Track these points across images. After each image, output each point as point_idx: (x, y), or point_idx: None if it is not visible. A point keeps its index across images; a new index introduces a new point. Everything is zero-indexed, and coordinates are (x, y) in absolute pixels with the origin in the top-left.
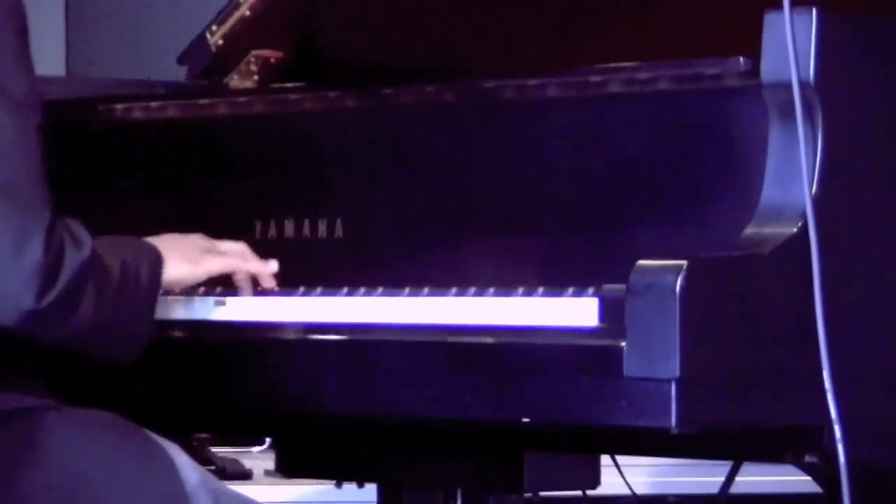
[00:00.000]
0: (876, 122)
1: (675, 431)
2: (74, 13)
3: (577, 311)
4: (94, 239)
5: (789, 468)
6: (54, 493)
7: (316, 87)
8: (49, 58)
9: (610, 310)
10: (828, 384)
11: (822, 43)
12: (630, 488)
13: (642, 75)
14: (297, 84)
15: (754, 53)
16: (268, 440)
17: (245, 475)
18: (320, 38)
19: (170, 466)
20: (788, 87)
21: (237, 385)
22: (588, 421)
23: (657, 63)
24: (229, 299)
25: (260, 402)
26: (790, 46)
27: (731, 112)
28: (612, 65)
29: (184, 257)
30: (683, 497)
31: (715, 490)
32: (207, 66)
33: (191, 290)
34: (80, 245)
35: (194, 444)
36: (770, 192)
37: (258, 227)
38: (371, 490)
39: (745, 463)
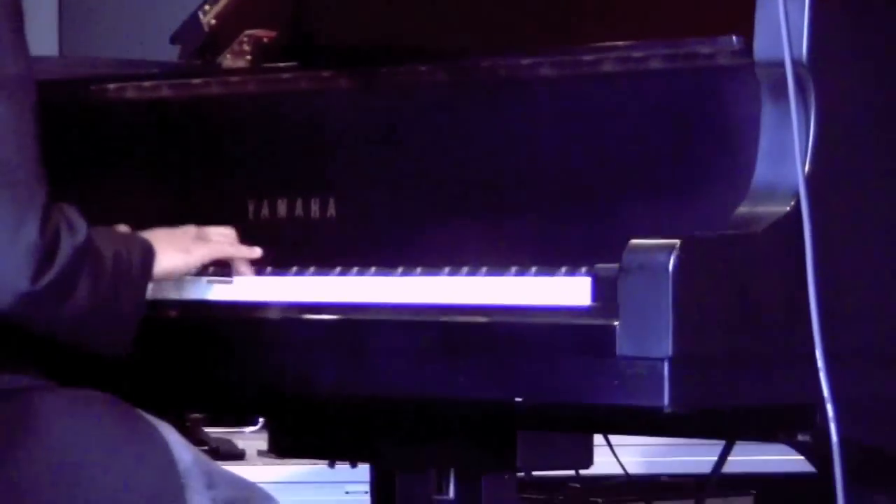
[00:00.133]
0: (869, 101)
1: (667, 411)
2: None
3: (570, 291)
4: (89, 227)
5: (782, 447)
6: (47, 473)
7: (309, 67)
8: (42, 38)
9: (603, 289)
10: (820, 363)
11: (814, 21)
12: (623, 467)
13: (635, 54)
14: (290, 63)
15: (747, 32)
16: (261, 420)
17: (238, 455)
18: (313, 18)
19: (163, 446)
20: (781, 65)
21: (230, 365)
22: (581, 400)
23: (650, 42)
24: (223, 280)
25: (252, 381)
26: (783, 25)
27: (723, 91)
28: (605, 44)
29: (175, 248)
30: (676, 476)
31: (707, 469)
32: (200, 45)
33: None
34: (76, 230)
35: (187, 424)
36: (763, 171)
37: (251, 206)
38: (364, 470)
39: (738, 442)
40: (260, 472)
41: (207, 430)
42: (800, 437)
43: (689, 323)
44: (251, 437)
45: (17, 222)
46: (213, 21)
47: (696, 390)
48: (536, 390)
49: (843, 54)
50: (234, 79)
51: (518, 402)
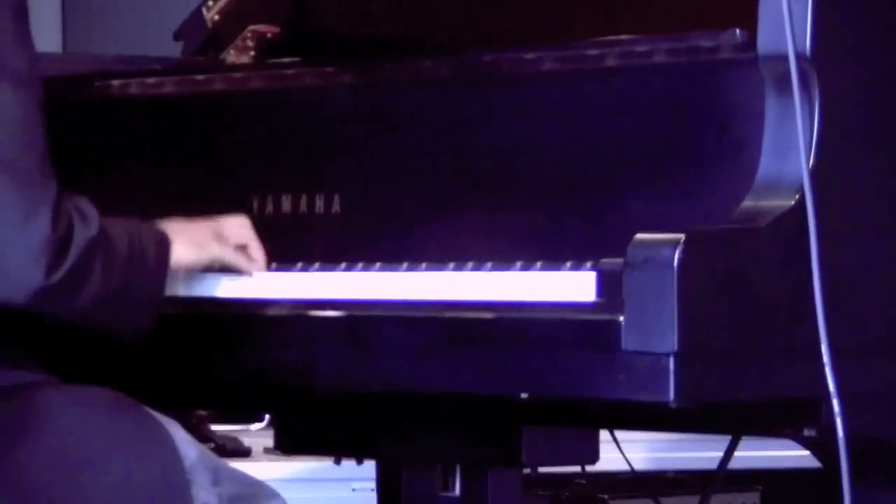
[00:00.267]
0: (873, 95)
1: (673, 405)
2: None
3: (575, 286)
4: (101, 217)
5: (788, 442)
6: (52, 469)
7: (312, 63)
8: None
9: (608, 284)
10: (826, 357)
11: (818, 15)
12: (628, 463)
13: (638, 48)
14: (294, 59)
15: (750, 26)
16: (266, 417)
17: (244, 452)
18: (317, 13)
19: (168, 443)
20: (785, 59)
21: (235, 361)
22: (586, 395)
23: (653, 36)
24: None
25: (258, 378)
26: (786, 18)
27: (727, 85)
28: (609, 38)
29: (191, 242)
30: (682, 472)
31: (714, 465)
32: (204, 41)
33: None
34: (88, 221)
35: (193, 421)
36: (767, 165)
37: (255, 202)
38: (370, 466)
39: (744, 437)
40: (266, 469)
41: (213, 427)
42: (805, 432)
43: (694, 317)
44: (257, 435)
45: (29, 216)
46: (217, 17)
47: (702, 385)
48: (542, 386)
49: (846, 48)
50: (237, 75)
51: (523, 397)
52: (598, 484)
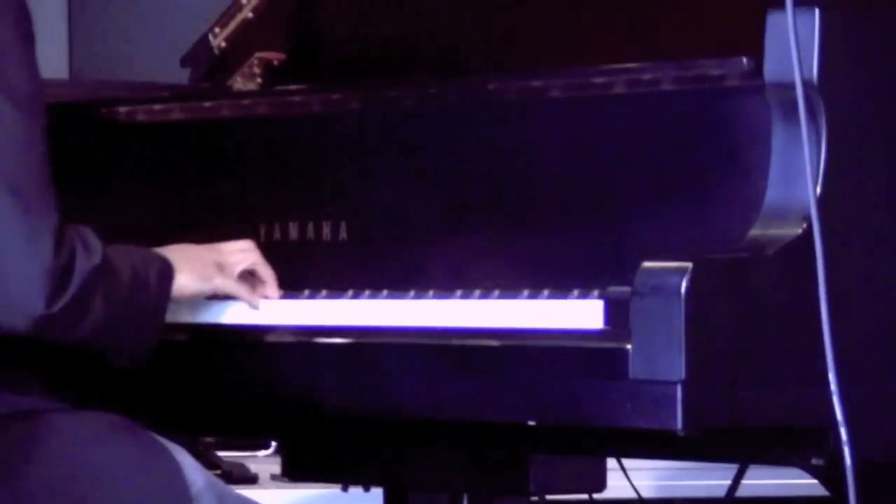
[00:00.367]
0: (880, 121)
1: (680, 433)
2: (77, 15)
3: (583, 313)
4: (106, 246)
5: (796, 470)
6: (59, 494)
7: (319, 89)
8: (52, 60)
9: (615, 312)
10: (833, 386)
11: (824, 42)
12: (636, 491)
13: (645, 75)
14: (301, 86)
15: (757, 53)
16: (273, 444)
17: (251, 479)
18: (323, 40)
19: (175, 469)
20: (791, 86)
21: (242, 388)
22: (594, 423)
23: (660, 63)
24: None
25: (265, 404)
26: (793, 46)
27: (734, 112)
28: (616, 65)
29: (194, 271)
30: (689, 500)
31: (721, 493)
32: (210, 68)
33: None
34: (92, 252)
35: (200, 447)
36: (774, 193)
37: (262, 229)
38: (377, 494)
39: (752, 465)
40: (273, 496)
41: (220, 453)
42: (813, 461)
43: (701, 345)
44: (264, 461)
45: (32, 243)
46: (224, 44)
47: (709, 413)
48: (549, 413)
49: (853, 75)
50: (244, 101)
51: (531, 425)
52: None
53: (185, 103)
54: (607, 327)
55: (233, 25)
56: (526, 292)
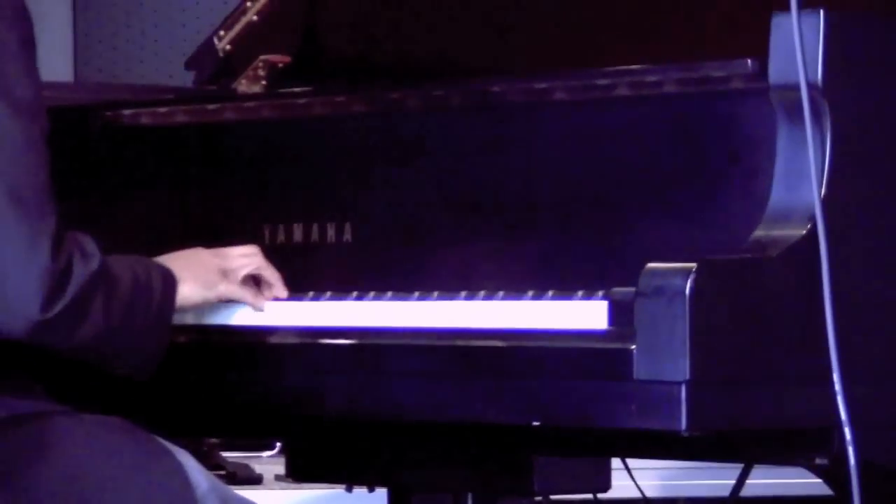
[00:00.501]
0: (884, 123)
1: (685, 434)
2: (82, 19)
3: (587, 314)
4: (107, 255)
5: (800, 470)
6: (63, 497)
7: (323, 92)
8: (57, 63)
9: (619, 312)
10: (837, 386)
11: (829, 44)
12: (640, 491)
13: (650, 77)
14: (305, 88)
15: (762, 55)
16: (278, 445)
17: (255, 480)
18: (327, 43)
19: (179, 471)
20: (796, 88)
21: (246, 389)
22: (598, 424)
23: (664, 65)
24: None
25: (269, 406)
26: (798, 48)
27: (738, 114)
28: (620, 67)
29: (197, 280)
30: (694, 500)
31: (726, 493)
32: (215, 71)
33: None
34: (89, 258)
35: (205, 448)
36: (779, 195)
37: (266, 231)
38: (381, 494)
39: (756, 465)
40: (277, 496)
41: (224, 454)
42: (817, 461)
43: (705, 346)
44: (268, 462)
45: (30, 248)
46: (228, 47)
47: (714, 413)
48: (553, 414)
49: (857, 78)
50: (249, 104)
51: (535, 425)
52: None
53: (189, 106)
54: (611, 328)
55: (237, 28)
56: (530, 293)
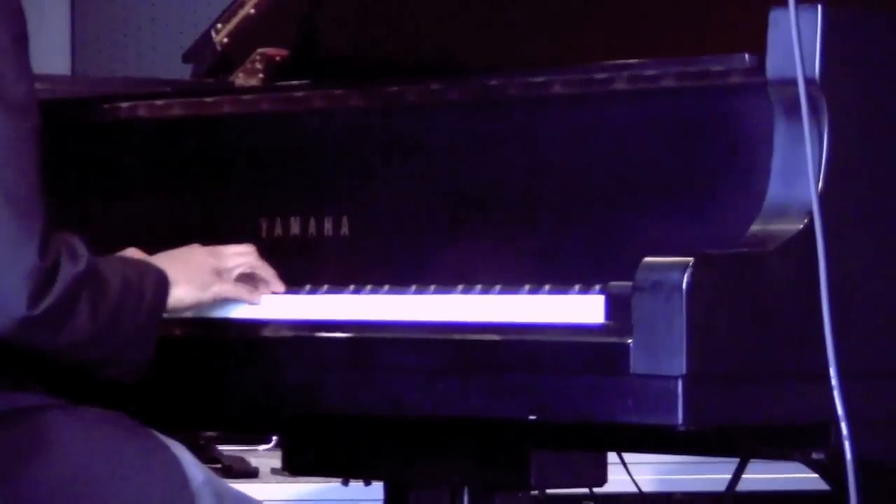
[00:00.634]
0: (881, 119)
1: (681, 428)
2: (79, 12)
3: (584, 309)
4: (98, 256)
5: (797, 465)
6: (59, 491)
7: (321, 85)
8: (54, 56)
9: (616, 307)
10: (834, 381)
11: (827, 40)
12: (637, 486)
13: (648, 72)
14: (303, 82)
15: (759, 50)
16: (274, 438)
17: (251, 473)
18: (325, 36)
19: (174, 465)
20: (794, 83)
21: (243, 383)
22: (594, 418)
23: (662, 60)
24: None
25: (266, 399)
26: (796, 43)
27: (736, 109)
28: (618, 62)
29: (191, 282)
30: (690, 494)
31: (722, 488)
32: (212, 64)
33: None
34: (77, 259)
35: (201, 442)
36: (776, 189)
37: (264, 225)
38: (377, 488)
39: (752, 460)
40: (273, 490)
41: (221, 447)
42: (814, 455)
43: (702, 341)
44: (264, 456)
45: (17, 245)
46: (226, 40)
47: (710, 408)
48: (550, 408)
49: (855, 72)
50: (246, 97)
51: (532, 419)
52: None
53: (187, 99)
54: (608, 322)
55: (235, 21)
56: (527, 287)
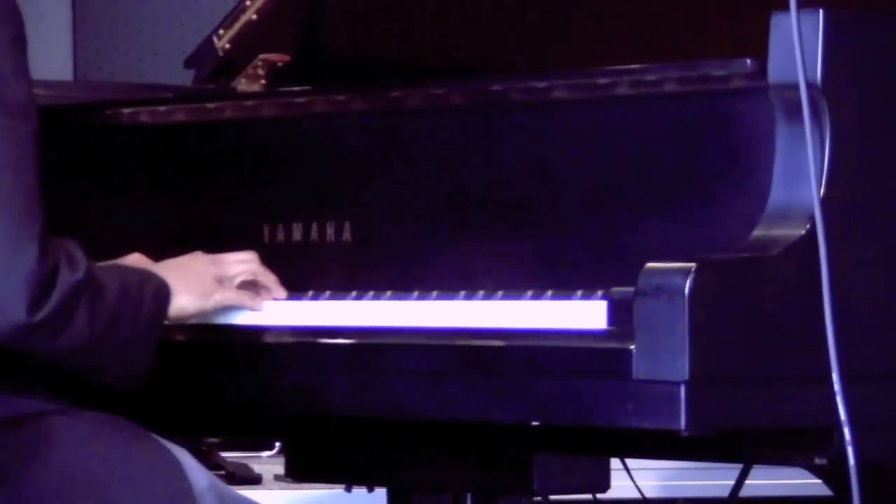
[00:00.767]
0: (883, 122)
1: (684, 434)
2: (81, 17)
3: (586, 314)
4: (98, 264)
5: (799, 470)
6: (61, 495)
7: (323, 90)
8: (56, 62)
9: (619, 312)
10: (837, 386)
11: (828, 43)
12: (640, 491)
13: (650, 76)
14: (304, 87)
15: (761, 54)
16: (277, 445)
17: (254, 480)
18: (327, 41)
19: (178, 470)
20: (795, 87)
21: (246, 388)
22: (597, 423)
23: (664, 64)
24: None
25: (269, 405)
26: (797, 47)
27: (737, 113)
28: (620, 66)
29: (193, 290)
30: (693, 500)
31: (725, 493)
32: (214, 69)
33: None
34: (75, 265)
35: (204, 448)
36: (778, 194)
37: (266, 230)
38: (381, 494)
39: (755, 465)
40: (276, 496)
41: (224, 454)
42: (817, 460)
43: (705, 346)
44: (267, 462)
45: (16, 250)
46: (228, 45)
47: (713, 413)
48: (552, 413)
49: (857, 76)
50: (248, 102)
51: (534, 425)
52: None
53: (188, 105)
54: (611, 327)
55: (237, 27)
56: (529, 293)
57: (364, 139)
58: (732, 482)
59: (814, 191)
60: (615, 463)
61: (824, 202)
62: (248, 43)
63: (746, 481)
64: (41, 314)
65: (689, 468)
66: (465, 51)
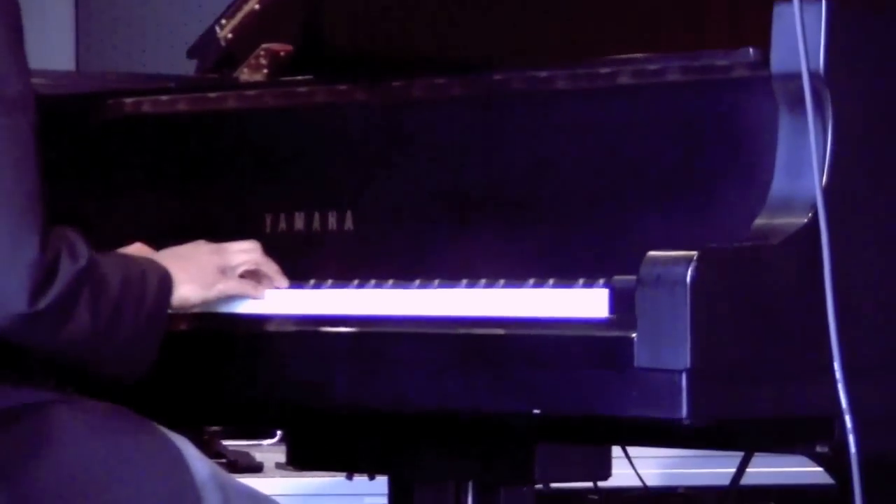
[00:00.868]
0: (886, 112)
1: (686, 422)
2: (84, 7)
3: (588, 303)
4: (99, 253)
5: (801, 459)
6: (64, 486)
7: (325, 80)
8: (58, 52)
9: (620, 301)
10: (838, 374)
11: (831, 33)
12: (641, 480)
13: (651, 67)
14: (307, 77)
15: (764, 44)
16: (278, 433)
17: (256, 468)
18: (329, 32)
19: (179, 459)
20: (798, 77)
21: (248, 377)
22: (598, 412)
23: (666, 55)
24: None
25: (271, 394)
26: (800, 37)
27: (740, 103)
28: (622, 56)
29: (195, 280)
30: (694, 488)
31: (726, 481)
32: (217, 59)
33: None
34: (77, 256)
35: (205, 437)
36: (780, 184)
37: (268, 220)
38: (382, 482)
39: (757, 454)
40: (278, 484)
41: (225, 442)
42: (818, 449)
43: (706, 334)
44: (269, 450)
45: (16, 242)
46: (230, 35)
47: (714, 402)
48: (554, 402)
49: (859, 66)
50: (250, 92)
51: (536, 413)
52: (610, 500)
53: (191, 95)
54: (612, 316)
55: (239, 17)
56: (531, 281)
57: (366, 129)
58: (734, 470)
59: (816, 180)
60: (616, 451)
61: (826, 192)
62: (251, 33)
63: (748, 469)
64: (43, 304)
65: (690, 456)
66: (467, 41)
